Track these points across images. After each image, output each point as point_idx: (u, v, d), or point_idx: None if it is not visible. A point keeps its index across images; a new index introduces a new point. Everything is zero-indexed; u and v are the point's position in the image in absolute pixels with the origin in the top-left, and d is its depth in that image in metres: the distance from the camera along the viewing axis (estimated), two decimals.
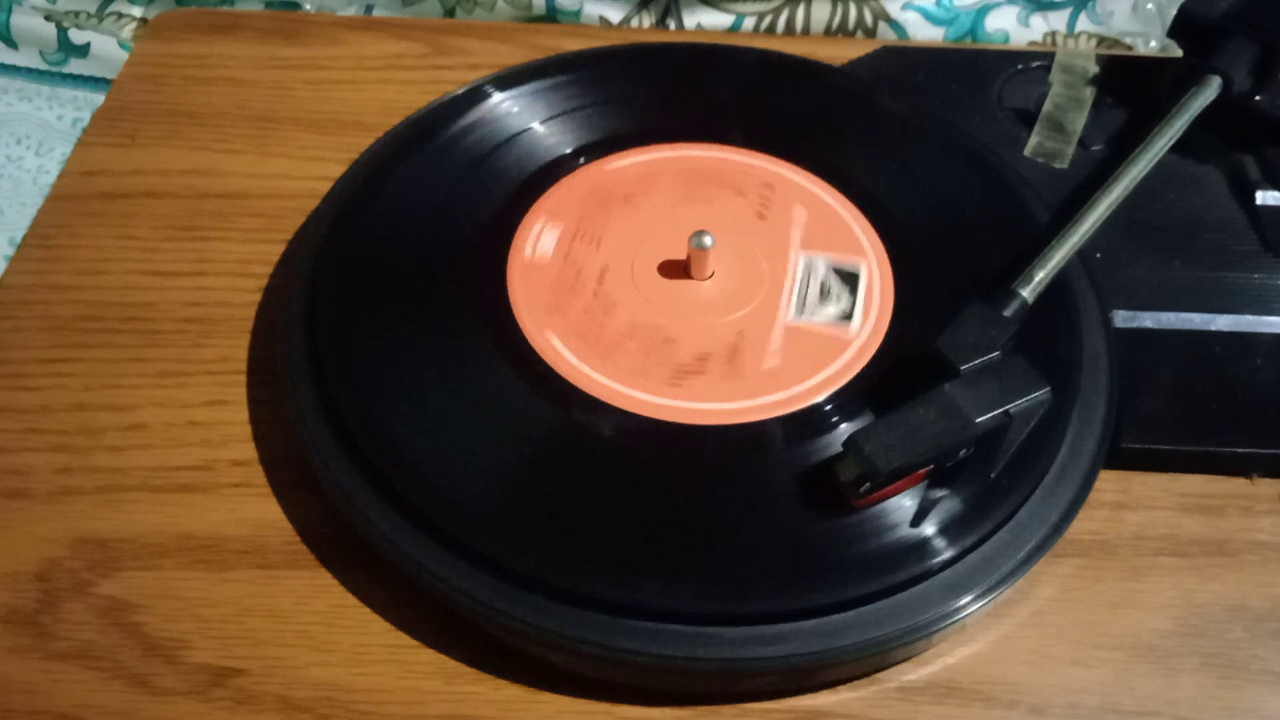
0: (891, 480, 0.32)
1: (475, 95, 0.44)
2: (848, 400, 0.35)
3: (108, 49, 0.61)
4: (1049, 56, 0.47)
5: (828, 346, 0.37)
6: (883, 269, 0.39)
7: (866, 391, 0.36)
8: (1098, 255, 0.39)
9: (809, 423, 0.35)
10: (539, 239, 0.40)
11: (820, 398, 0.35)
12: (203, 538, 0.35)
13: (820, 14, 0.57)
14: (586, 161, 0.42)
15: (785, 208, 0.41)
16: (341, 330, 0.37)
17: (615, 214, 0.41)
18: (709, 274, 0.39)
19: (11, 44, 0.62)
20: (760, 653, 0.30)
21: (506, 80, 0.45)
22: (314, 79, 0.50)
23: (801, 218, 0.41)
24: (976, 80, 0.47)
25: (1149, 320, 0.38)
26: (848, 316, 0.36)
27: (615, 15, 0.58)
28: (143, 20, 0.61)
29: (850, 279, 0.36)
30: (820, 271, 0.36)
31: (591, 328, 0.37)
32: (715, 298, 0.38)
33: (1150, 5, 0.57)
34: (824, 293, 0.36)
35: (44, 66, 0.63)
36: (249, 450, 0.37)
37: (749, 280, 0.39)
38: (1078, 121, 0.45)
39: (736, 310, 0.38)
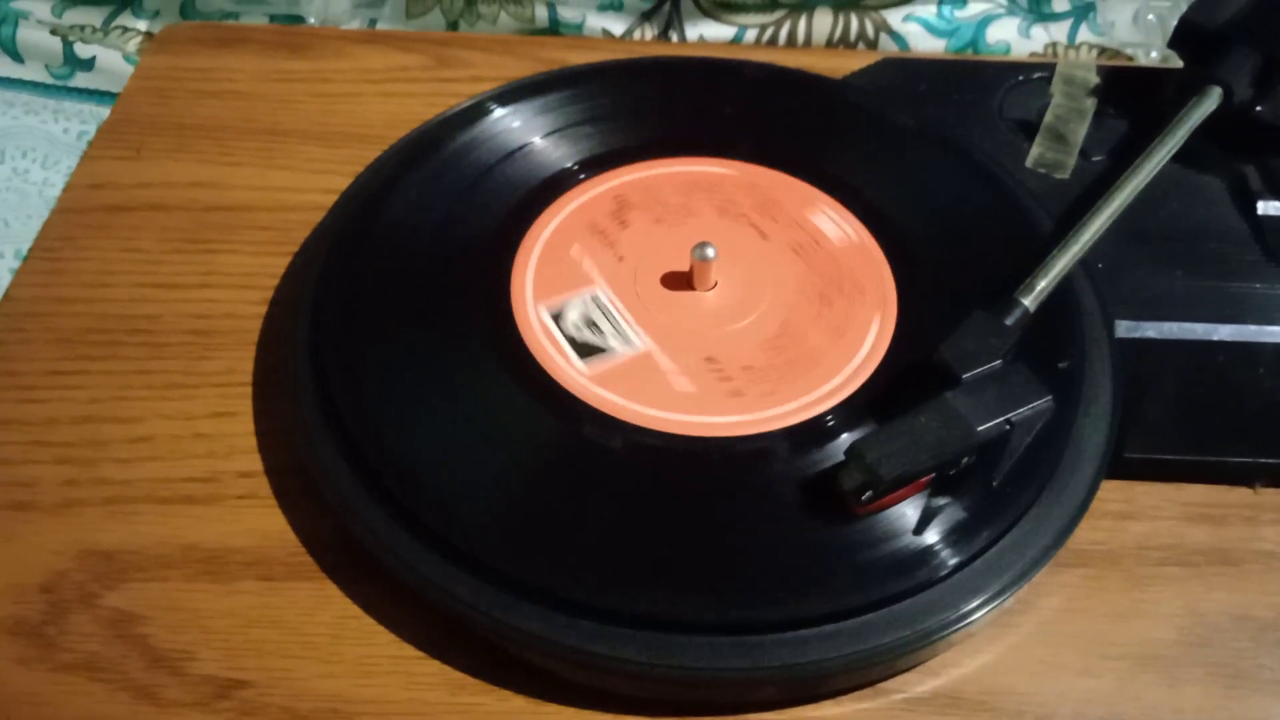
0: (894, 488, 0.32)
1: (479, 108, 0.44)
2: (852, 410, 0.35)
3: (113, 63, 0.62)
4: (1050, 67, 0.47)
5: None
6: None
7: (870, 401, 0.36)
8: (1100, 265, 0.39)
9: (813, 433, 0.35)
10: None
11: (824, 408, 0.35)
12: (208, 549, 0.35)
13: (822, 26, 0.58)
14: (589, 176, 0.42)
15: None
16: (346, 342, 0.37)
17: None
18: (712, 285, 0.39)
19: (18, 58, 0.63)
20: (763, 662, 0.30)
21: (510, 94, 0.45)
22: (319, 92, 0.50)
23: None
24: (978, 91, 0.47)
25: (1151, 330, 0.38)
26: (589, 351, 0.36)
27: (618, 28, 0.58)
28: (148, 34, 0.62)
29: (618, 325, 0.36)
30: (587, 309, 0.36)
31: (593, 336, 0.37)
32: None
33: (1151, 16, 0.57)
34: (590, 326, 0.36)
35: (50, 80, 0.63)
36: (254, 462, 0.37)
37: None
38: (1079, 132, 0.45)
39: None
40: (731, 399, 0.36)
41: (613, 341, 0.36)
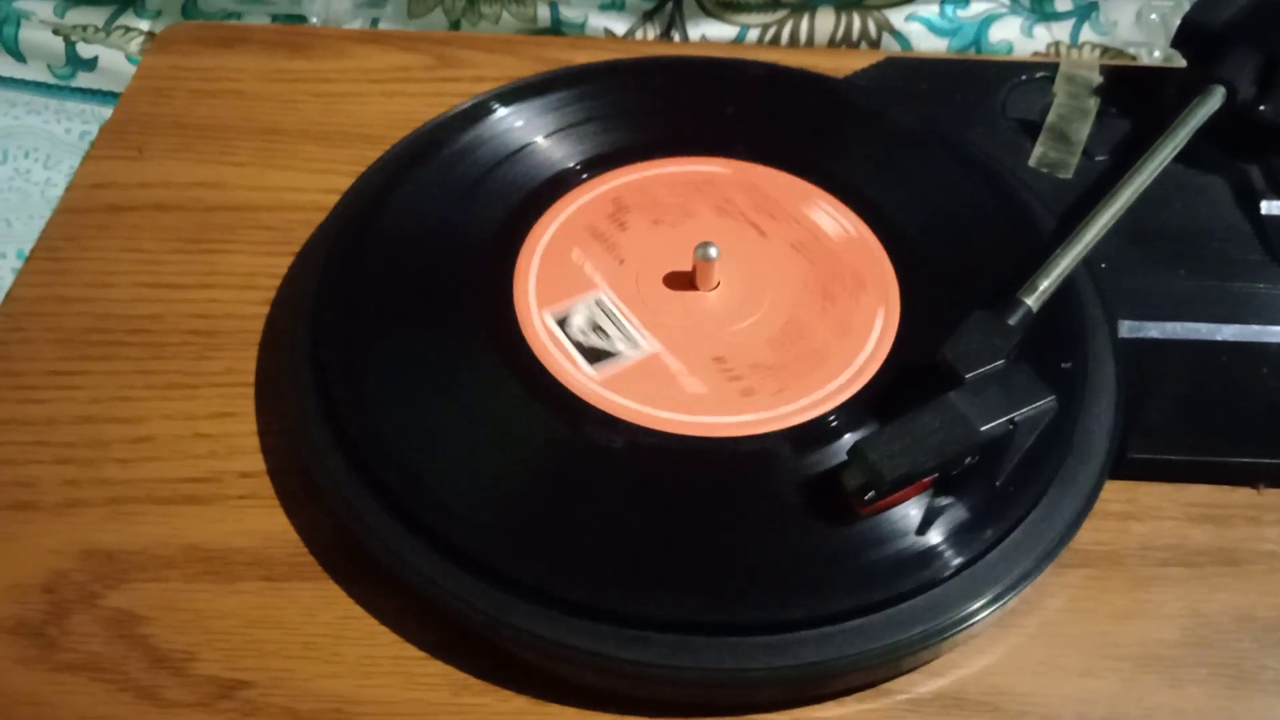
0: (897, 488, 0.32)
1: (481, 108, 0.44)
2: (855, 410, 0.35)
3: (115, 63, 0.62)
4: (1053, 67, 0.47)
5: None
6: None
7: (873, 400, 0.36)
8: (1103, 265, 0.39)
9: (817, 433, 0.35)
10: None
11: (828, 408, 0.35)
12: (210, 549, 0.35)
13: (824, 25, 0.58)
14: (591, 176, 0.42)
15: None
16: (347, 343, 0.37)
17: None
18: (715, 284, 0.39)
19: (20, 58, 0.63)
20: (766, 663, 0.30)
21: (512, 94, 0.45)
22: (320, 92, 0.50)
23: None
24: (981, 91, 0.47)
25: (1154, 330, 0.38)
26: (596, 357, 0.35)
27: (620, 28, 0.58)
28: (150, 34, 0.62)
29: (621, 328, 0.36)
30: (597, 312, 0.36)
31: (600, 341, 0.37)
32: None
33: (1154, 15, 0.57)
34: (596, 331, 0.35)
35: (52, 80, 0.63)
36: (256, 462, 0.37)
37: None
38: (1082, 132, 0.45)
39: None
40: (743, 398, 0.36)
41: (620, 345, 0.36)
